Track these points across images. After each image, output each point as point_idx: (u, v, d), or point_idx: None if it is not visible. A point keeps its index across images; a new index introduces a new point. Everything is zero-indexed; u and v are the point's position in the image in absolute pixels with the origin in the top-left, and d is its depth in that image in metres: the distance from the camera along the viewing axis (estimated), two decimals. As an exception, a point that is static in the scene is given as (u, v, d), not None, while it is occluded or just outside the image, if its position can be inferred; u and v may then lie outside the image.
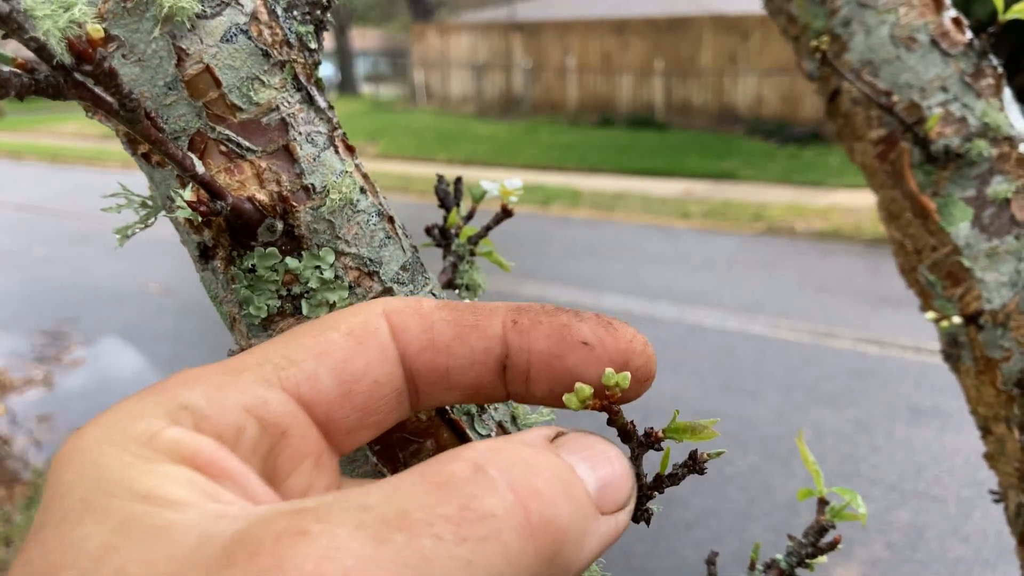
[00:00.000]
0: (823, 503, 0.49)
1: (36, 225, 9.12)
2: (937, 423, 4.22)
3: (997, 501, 0.80)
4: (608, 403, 0.30)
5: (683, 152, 12.51)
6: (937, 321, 0.75)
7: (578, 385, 0.30)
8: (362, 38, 30.81)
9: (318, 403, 0.28)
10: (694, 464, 0.33)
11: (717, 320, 5.76)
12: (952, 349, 0.76)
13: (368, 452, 0.38)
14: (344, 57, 24.75)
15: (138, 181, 0.42)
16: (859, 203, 8.83)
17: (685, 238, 8.25)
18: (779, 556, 0.48)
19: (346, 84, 24.73)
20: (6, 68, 0.26)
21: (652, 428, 0.32)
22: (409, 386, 0.30)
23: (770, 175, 10.93)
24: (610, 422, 0.31)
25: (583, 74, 16.07)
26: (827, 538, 0.48)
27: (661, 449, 0.32)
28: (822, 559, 0.48)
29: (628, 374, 0.30)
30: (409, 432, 0.38)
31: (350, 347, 0.29)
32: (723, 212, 9.13)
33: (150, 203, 0.39)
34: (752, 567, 0.48)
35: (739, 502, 3.62)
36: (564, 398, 0.30)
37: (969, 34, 0.76)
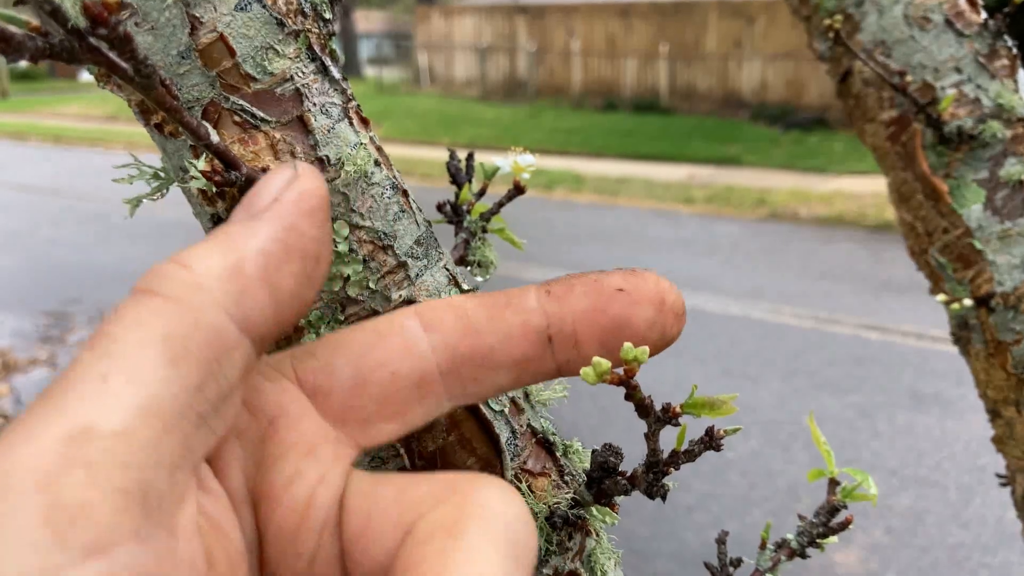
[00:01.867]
0: (834, 483, 0.48)
1: (40, 206, 9.12)
2: (938, 409, 4.23)
3: (1004, 485, 0.80)
4: (626, 378, 0.30)
5: (687, 137, 12.48)
6: (948, 304, 0.74)
7: (595, 359, 0.30)
8: (366, 20, 30.70)
9: (334, 392, 0.29)
10: (710, 440, 0.33)
11: (719, 305, 5.76)
12: (962, 332, 0.76)
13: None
14: (347, 39, 24.68)
15: (143, 160, 0.41)
16: (862, 189, 8.81)
17: (688, 223, 8.24)
18: (790, 536, 0.48)
19: (349, 66, 24.65)
20: (21, 31, 0.26)
21: (670, 404, 0.31)
22: (452, 378, 0.30)
23: (774, 161, 10.90)
24: (627, 396, 0.31)
25: (587, 58, 16.01)
26: (838, 518, 0.47)
27: (678, 424, 0.32)
28: (833, 539, 0.48)
29: (647, 348, 0.30)
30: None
31: (370, 341, 0.29)
32: (726, 197, 9.11)
33: (162, 174, 0.38)
34: (763, 547, 0.48)
35: (740, 487, 3.63)
36: (581, 372, 0.30)
37: (984, 14, 0.76)
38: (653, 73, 15.31)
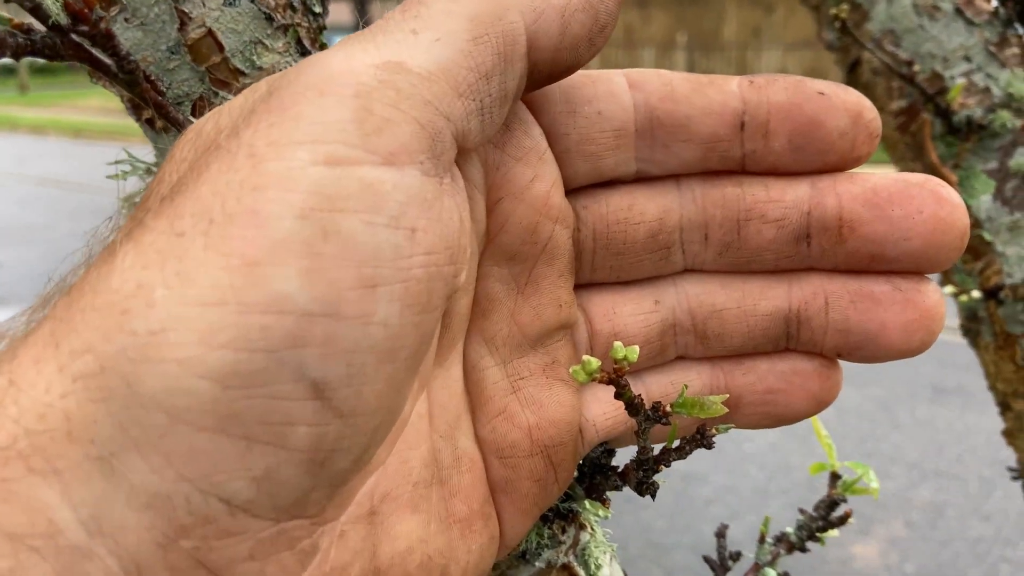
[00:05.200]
0: (835, 477, 0.48)
1: (60, 200, 9.18)
2: (959, 402, 4.19)
3: (1015, 478, 0.79)
4: (616, 376, 0.30)
5: (705, 128, 12.37)
6: (956, 295, 0.73)
7: (585, 358, 0.29)
8: (382, 9, 30.74)
9: (544, 109, 0.31)
10: (702, 438, 0.33)
11: (738, 297, 5.73)
12: (971, 324, 0.75)
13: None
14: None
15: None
16: (883, 179, 8.73)
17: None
18: (789, 530, 0.47)
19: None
20: (2, 28, 0.26)
21: (660, 403, 0.31)
22: (645, 140, 0.31)
23: (793, 151, 10.80)
24: (617, 395, 0.31)
25: (605, 48, 15.92)
26: (838, 512, 0.47)
27: (668, 424, 0.32)
28: (833, 533, 0.48)
29: (636, 348, 0.29)
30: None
31: (584, 79, 0.31)
32: (745, 188, 9.05)
33: (155, 170, 0.38)
34: (762, 541, 0.48)
35: (758, 479, 3.62)
36: (571, 371, 0.30)
37: (995, 2, 0.75)
38: (671, 63, 15.23)
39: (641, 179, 0.33)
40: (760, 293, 0.33)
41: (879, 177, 0.32)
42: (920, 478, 3.59)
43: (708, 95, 0.31)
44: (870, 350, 0.32)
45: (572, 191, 0.32)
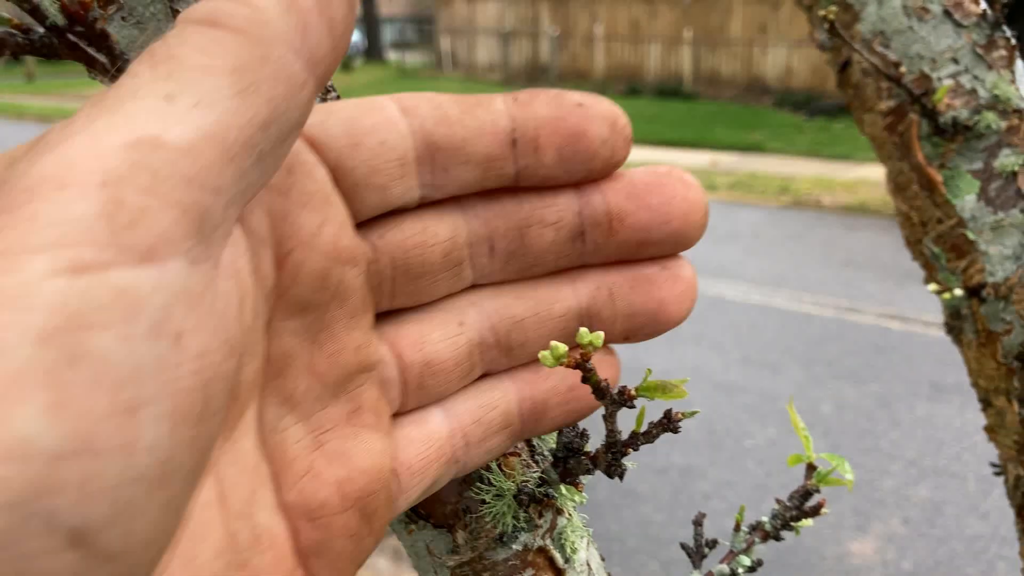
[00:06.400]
0: (811, 468, 0.50)
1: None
2: (958, 400, 4.20)
3: (997, 474, 0.81)
4: (582, 361, 0.31)
5: (711, 123, 12.41)
6: (939, 293, 0.75)
7: (553, 344, 0.31)
8: (389, 4, 30.68)
9: (328, 146, 0.29)
10: (668, 423, 0.34)
11: (740, 293, 5.74)
12: (955, 322, 0.76)
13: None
14: (371, 23, 24.70)
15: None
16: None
17: (711, 210, 8.18)
18: (764, 518, 0.49)
19: (372, 51, 24.71)
20: (2, 29, 0.27)
21: (625, 387, 0.33)
22: (425, 166, 0.31)
23: (798, 148, 10.83)
24: (584, 379, 0.32)
25: (611, 43, 15.93)
26: (811, 502, 0.49)
27: (634, 407, 0.33)
28: (807, 522, 0.49)
29: (601, 334, 0.31)
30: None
31: (356, 113, 0.30)
32: (749, 184, 9.06)
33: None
34: (737, 529, 0.49)
35: (756, 474, 3.64)
36: (540, 356, 0.31)
37: (983, 4, 0.76)
38: (677, 58, 15.22)
39: (425, 204, 0.32)
40: (552, 297, 0.34)
41: (633, 171, 0.33)
42: (918, 475, 3.60)
43: (478, 116, 0.31)
44: (652, 327, 0.34)
45: (361, 224, 0.31)
